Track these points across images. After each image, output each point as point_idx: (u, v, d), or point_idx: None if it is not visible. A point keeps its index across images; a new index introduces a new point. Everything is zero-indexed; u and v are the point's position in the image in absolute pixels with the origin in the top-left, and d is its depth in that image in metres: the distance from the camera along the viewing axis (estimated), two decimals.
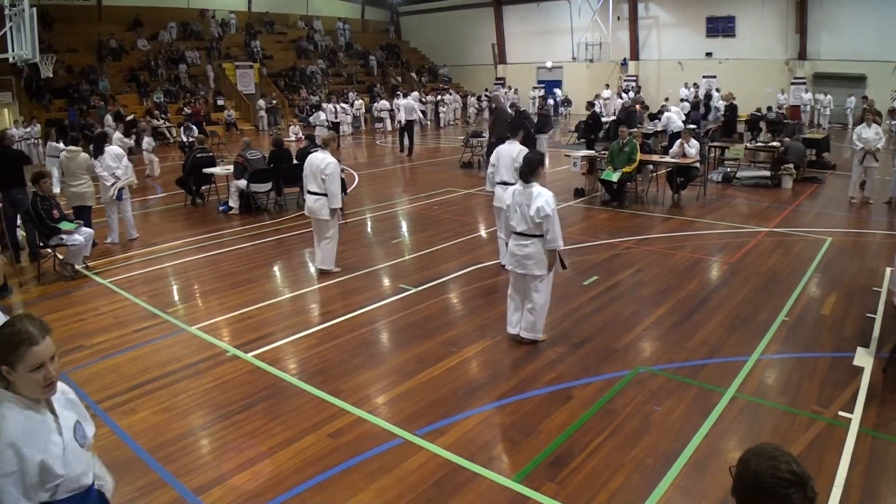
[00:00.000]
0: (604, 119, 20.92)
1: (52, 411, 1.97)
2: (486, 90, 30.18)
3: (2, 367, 1.86)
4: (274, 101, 24.97)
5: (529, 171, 5.04)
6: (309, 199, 7.17)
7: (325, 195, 6.96)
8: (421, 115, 22.33)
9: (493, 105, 14.84)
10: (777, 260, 7.50)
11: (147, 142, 15.27)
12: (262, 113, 24.35)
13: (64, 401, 2.05)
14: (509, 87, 30.42)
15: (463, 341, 5.37)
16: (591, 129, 14.60)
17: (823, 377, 4.63)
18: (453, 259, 7.78)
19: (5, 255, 7.75)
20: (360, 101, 25.99)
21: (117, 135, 13.54)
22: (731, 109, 17.33)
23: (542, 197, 4.92)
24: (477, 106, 29.71)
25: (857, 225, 9.34)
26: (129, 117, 19.08)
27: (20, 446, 1.85)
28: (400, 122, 18.33)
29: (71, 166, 8.22)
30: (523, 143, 7.28)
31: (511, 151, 7.09)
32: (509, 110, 13.62)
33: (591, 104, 15.51)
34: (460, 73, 34.31)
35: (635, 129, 11.53)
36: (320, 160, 6.96)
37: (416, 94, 22.79)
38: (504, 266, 7.31)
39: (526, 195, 5.00)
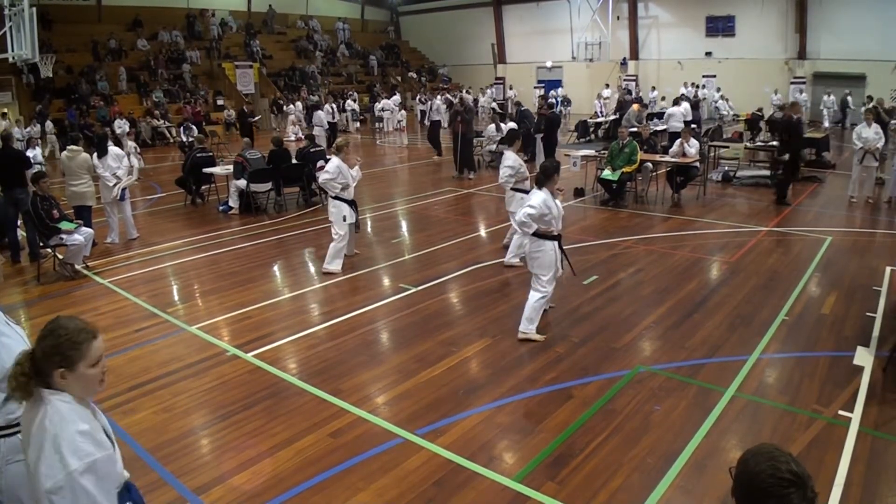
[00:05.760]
0: (601, 119, 21.07)
1: (93, 412, 1.94)
2: (483, 89, 30.05)
3: (56, 371, 1.80)
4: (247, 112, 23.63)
5: (545, 177, 5.21)
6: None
7: (334, 198, 7.20)
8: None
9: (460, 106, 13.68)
10: (777, 259, 7.50)
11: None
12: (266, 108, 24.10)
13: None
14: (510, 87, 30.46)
15: (463, 341, 5.37)
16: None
17: (823, 376, 4.63)
18: (453, 259, 7.78)
19: (4, 255, 7.76)
20: (348, 101, 25.82)
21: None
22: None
23: (526, 202, 5.25)
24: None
25: (857, 224, 9.33)
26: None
27: (92, 433, 1.82)
28: (428, 122, 18.63)
29: (71, 166, 8.22)
30: (522, 141, 7.40)
31: (505, 161, 7.45)
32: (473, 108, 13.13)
33: (518, 104, 14.10)
34: (460, 72, 34.23)
35: (636, 128, 11.48)
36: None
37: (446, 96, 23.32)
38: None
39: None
